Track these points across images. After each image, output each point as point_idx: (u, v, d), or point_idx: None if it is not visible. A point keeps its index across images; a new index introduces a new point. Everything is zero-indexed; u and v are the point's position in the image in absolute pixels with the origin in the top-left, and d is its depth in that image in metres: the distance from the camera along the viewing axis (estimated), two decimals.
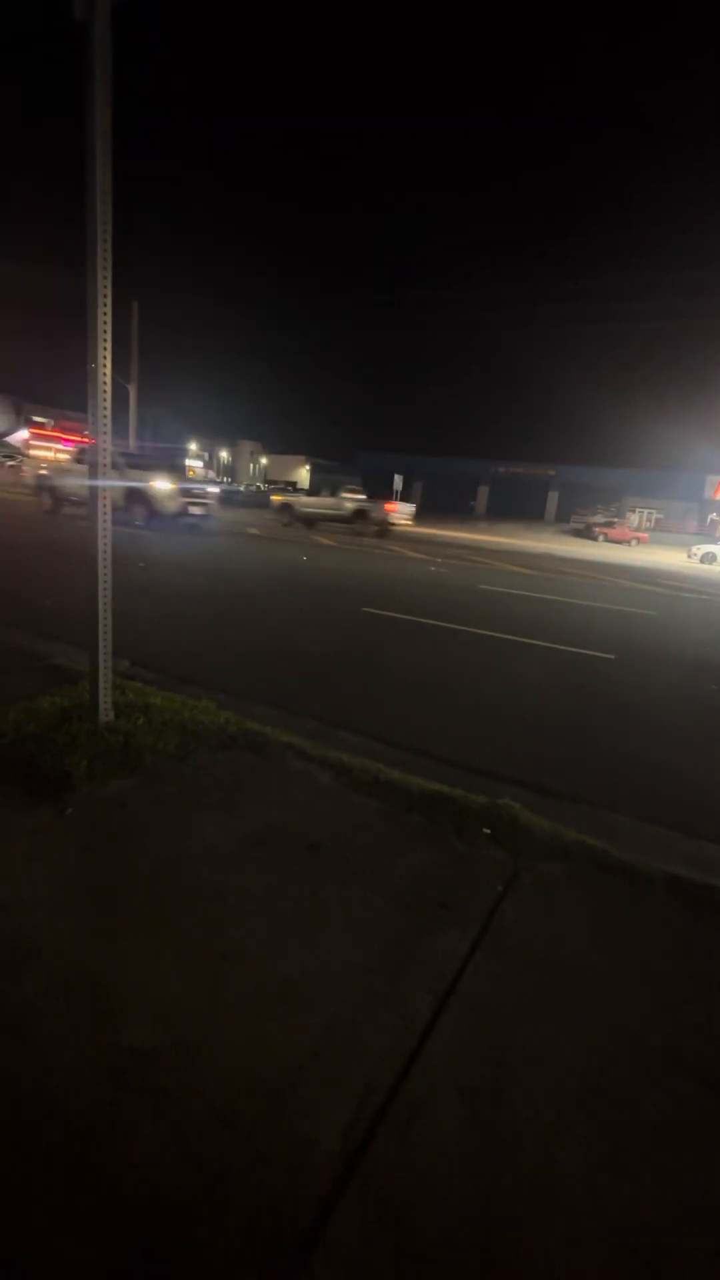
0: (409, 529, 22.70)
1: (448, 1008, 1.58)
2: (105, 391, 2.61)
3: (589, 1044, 1.54)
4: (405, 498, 25.27)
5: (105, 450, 2.68)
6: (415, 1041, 1.48)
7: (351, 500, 20.29)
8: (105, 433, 2.66)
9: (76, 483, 14.16)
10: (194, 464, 14.65)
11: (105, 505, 2.74)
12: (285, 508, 21.71)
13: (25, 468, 17.92)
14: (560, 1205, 1.18)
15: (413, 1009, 1.57)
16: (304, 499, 21.91)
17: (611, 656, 6.22)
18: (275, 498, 22.87)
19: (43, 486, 15.27)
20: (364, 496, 20.66)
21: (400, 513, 20.66)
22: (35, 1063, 1.35)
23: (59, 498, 14.91)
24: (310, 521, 20.98)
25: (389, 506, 20.12)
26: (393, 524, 20.49)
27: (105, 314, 2.53)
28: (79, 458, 15.22)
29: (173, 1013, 1.50)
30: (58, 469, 15.59)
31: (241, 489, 51.91)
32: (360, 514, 20.04)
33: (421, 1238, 1.11)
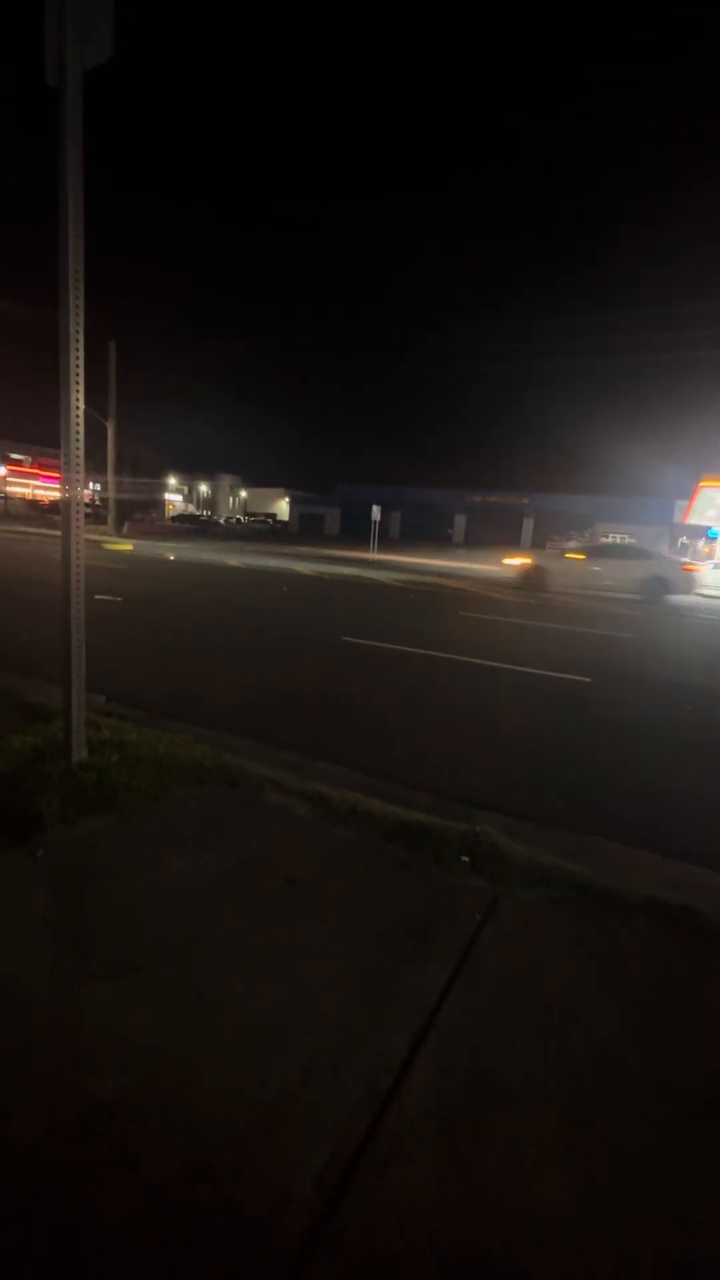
0: (386, 557, 22.25)
1: (426, 1042, 1.55)
2: (78, 430, 2.64)
3: (569, 1073, 1.52)
4: (384, 528, 24.56)
5: (78, 484, 2.70)
6: (393, 1079, 1.45)
7: None
8: (78, 468, 2.69)
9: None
10: (173, 498, 14.69)
11: (79, 540, 2.74)
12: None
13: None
14: (543, 1243, 1.15)
15: (390, 1045, 1.54)
16: None
17: (588, 680, 6.30)
18: None
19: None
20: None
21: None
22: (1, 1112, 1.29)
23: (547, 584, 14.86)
24: None
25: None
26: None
27: (78, 354, 2.58)
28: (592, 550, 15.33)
29: (146, 1059, 1.45)
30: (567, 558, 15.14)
31: (222, 521, 52.18)
32: None
33: None
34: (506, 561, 16.12)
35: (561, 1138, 1.36)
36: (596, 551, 15.49)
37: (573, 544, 39.35)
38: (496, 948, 1.94)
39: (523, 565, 15.42)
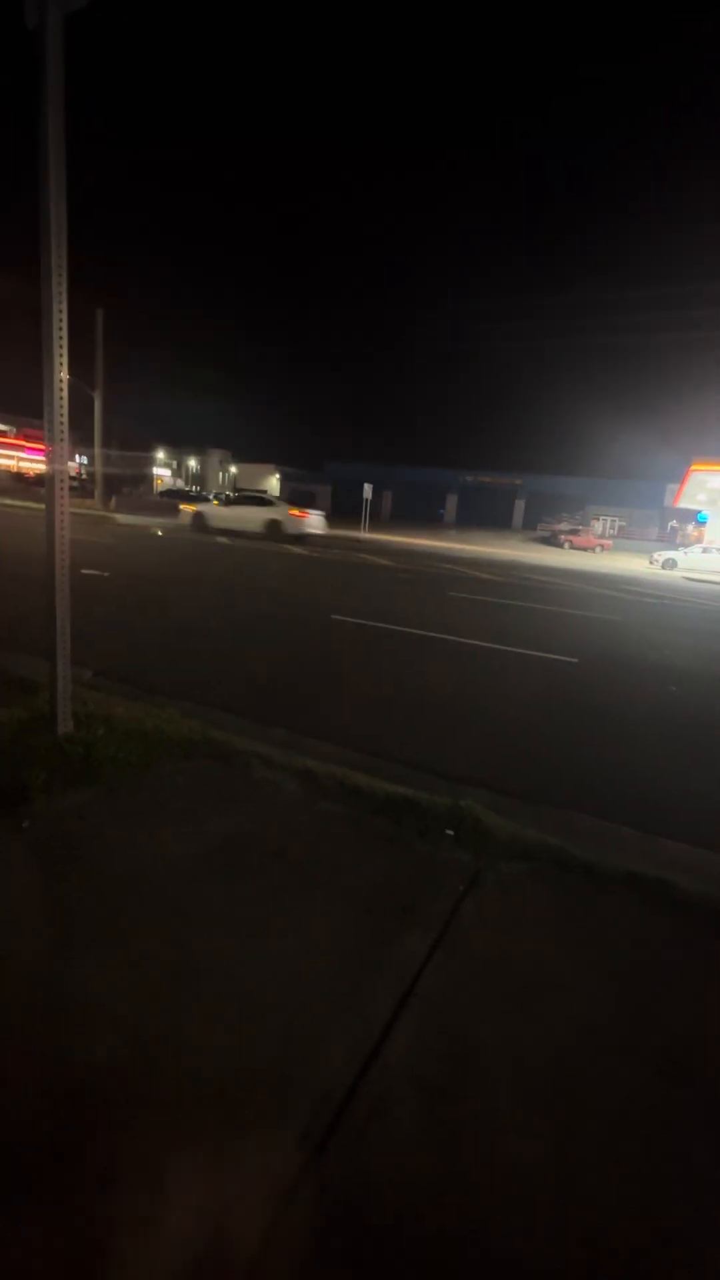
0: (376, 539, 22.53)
1: (407, 1008, 1.59)
2: (61, 401, 2.58)
3: (546, 1038, 1.56)
4: (376, 507, 24.85)
5: (63, 455, 2.64)
6: (374, 1043, 1.48)
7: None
8: (62, 440, 2.63)
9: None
10: (161, 473, 14.65)
11: (64, 513, 2.69)
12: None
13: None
14: (517, 1193, 1.20)
15: (372, 1011, 1.58)
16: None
17: (575, 660, 6.36)
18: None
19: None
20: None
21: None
22: None
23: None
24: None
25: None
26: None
27: (60, 321, 2.51)
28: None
29: (133, 1027, 1.47)
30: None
31: (210, 497, 51.54)
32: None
33: (377, 1236, 1.11)
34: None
35: (537, 1097, 1.41)
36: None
37: (564, 526, 39.28)
38: (479, 918, 1.98)
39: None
